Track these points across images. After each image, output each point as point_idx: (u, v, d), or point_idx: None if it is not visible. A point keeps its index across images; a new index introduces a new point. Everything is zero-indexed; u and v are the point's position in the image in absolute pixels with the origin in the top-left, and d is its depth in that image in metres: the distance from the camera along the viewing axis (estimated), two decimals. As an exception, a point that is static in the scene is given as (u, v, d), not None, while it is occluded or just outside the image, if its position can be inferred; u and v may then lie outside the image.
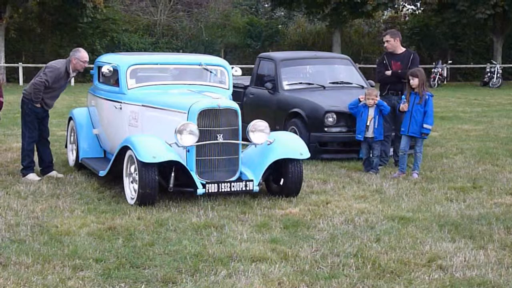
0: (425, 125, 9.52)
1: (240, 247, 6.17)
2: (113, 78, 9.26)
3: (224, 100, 8.19)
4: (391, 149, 10.65)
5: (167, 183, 7.82)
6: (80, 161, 9.76)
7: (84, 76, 33.16)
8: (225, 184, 7.79)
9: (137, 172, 7.70)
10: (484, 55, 39.05)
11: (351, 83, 12.42)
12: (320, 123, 10.91)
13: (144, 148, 7.69)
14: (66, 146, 10.67)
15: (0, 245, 6.18)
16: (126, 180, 8.08)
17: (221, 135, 7.88)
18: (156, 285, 5.26)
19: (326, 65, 13.07)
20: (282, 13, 45.82)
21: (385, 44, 10.76)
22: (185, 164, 7.76)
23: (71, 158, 10.34)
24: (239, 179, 7.97)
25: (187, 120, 7.80)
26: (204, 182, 7.74)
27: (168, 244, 6.25)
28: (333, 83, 12.34)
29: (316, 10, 37.10)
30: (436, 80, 33.18)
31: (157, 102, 8.54)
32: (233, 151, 8.02)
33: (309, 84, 12.30)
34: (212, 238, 6.49)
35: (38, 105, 9.25)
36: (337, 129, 10.97)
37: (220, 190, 7.78)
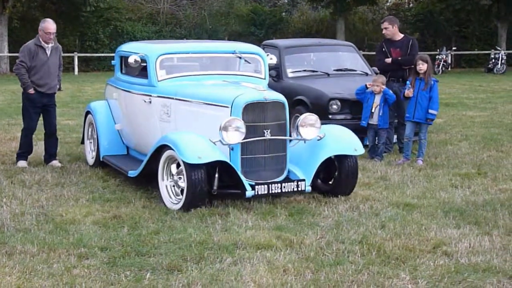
0: (430, 111, 9.52)
1: (245, 234, 6.17)
2: (137, 69, 8.64)
3: (270, 92, 7.47)
4: (395, 136, 10.63)
5: (210, 185, 7.09)
6: (101, 159, 9.05)
7: (88, 65, 33.20)
8: (276, 185, 7.08)
9: (182, 174, 7.00)
10: (489, 41, 38.91)
11: (355, 70, 12.40)
12: (324, 111, 10.87)
13: (187, 147, 6.93)
14: (82, 142, 9.95)
15: (5, 234, 6.20)
16: (162, 183, 7.38)
17: (269, 131, 7.15)
18: (162, 273, 5.27)
19: (330, 53, 13.04)
20: (286, 1, 45.71)
21: (384, 31, 10.77)
22: (232, 164, 7.06)
23: (89, 156, 9.58)
24: (288, 179, 7.28)
25: (231, 115, 7.05)
26: (253, 183, 7.03)
27: (173, 232, 6.26)
28: (337, 70, 12.31)
29: (320, -3, 37.06)
30: (440, 67, 33.05)
31: (193, 95, 7.73)
32: (281, 148, 7.30)
33: (313, 71, 12.27)
34: (217, 225, 6.50)
35: (32, 91, 9.10)
36: (342, 116, 10.93)
37: (270, 192, 7.06)
